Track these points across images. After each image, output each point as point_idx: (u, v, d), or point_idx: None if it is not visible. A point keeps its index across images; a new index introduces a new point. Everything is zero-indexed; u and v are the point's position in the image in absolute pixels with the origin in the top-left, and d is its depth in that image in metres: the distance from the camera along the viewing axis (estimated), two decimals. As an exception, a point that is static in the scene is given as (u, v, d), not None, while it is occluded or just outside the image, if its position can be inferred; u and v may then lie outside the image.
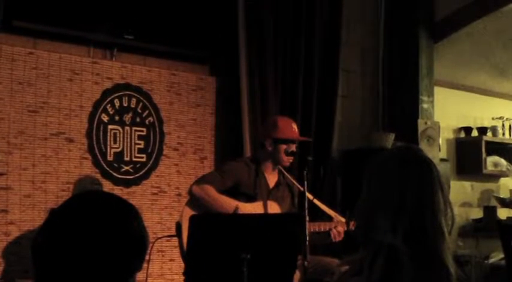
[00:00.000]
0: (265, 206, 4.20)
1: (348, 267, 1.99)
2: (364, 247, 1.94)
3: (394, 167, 1.99)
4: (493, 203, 7.39)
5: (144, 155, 4.98)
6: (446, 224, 1.94)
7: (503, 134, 7.68)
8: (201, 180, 4.16)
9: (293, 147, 4.30)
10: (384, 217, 1.90)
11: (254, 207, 4.15)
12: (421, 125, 5.98)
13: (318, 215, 4.30)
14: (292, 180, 4.44)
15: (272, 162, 4.34)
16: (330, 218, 4.28)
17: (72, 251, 1.56)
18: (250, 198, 4.19)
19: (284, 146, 4.26)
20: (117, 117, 4.87)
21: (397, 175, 1.96)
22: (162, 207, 5.01)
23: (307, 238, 3.75)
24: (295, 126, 4.37)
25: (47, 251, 1.58)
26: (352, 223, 4.08)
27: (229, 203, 4.09)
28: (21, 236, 4.37)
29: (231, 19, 5.27)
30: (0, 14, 4.33)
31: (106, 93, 4.82)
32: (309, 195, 4.05)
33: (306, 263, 3.67)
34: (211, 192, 4.08)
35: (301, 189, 4.10)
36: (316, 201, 4.25)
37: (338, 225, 4.19)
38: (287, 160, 4.31)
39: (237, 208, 4.07)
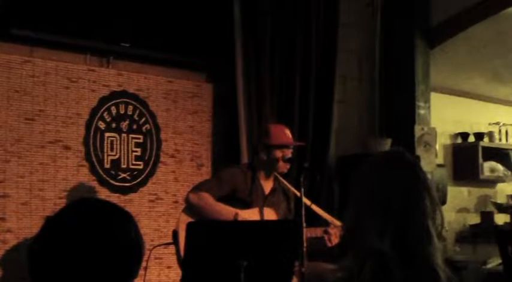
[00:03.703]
0: (261, 213, 4.20)
1: (340, 274, 1.98)
2: (352, 253, 1.93)
3: (379, 172, 1.99)
4: (490, 208, 7.40)
5: (141, 162, 4.98)
6: (434, 227, 1.93)
7: (500, 139, 7.70)
8: (198, 188, 4.15)
9: (289, 154, 4.29)
10: (370, 222, 1.89)
11: (251, 214, 4.15)
12: (417, 130, 5.99)
13: (315, 221, 4.29)
14: (288, 185, 4.43)
15: (267, 169, 4.33)
16: (327, 223, 4.28)
17: (68, 258, 1.56)
18: (246, 205, 4.19)
19: (278, 152, 4.25)
20: (114, 125, 4.87)
21: (382, 180, 1.95)
22: (159, 214, 5.01)
23: (304, 244, 3.75)
24: (287, 132, 4.36)
25: (43, 258, 1.58)
26: (347, 229, 4.08)
27: (228, 211, 4.08)
28: (19, 243, 4.37)
29: (227, 26, 5.27)
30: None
31: (103, 100, 4.82)
32: (307, 201, 4.04)
33: (303, 269, 3.67)
34: (208, 200, 4.08)
35: (298, 194, 4.10)
36: (313, 207, 4.24)
37: (333, 230, 4.18)
38: (283, 167, 4.30)
39: (236, 216, 4.06)
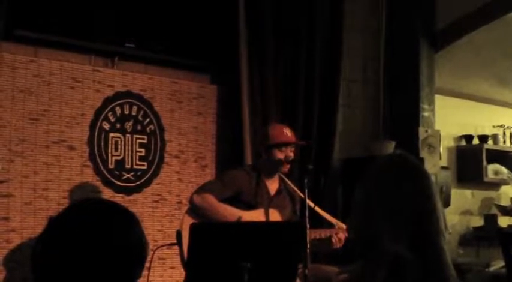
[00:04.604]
0: (266, 214, 4.20)
1: (345, 276, 1.98)
2: (363, 257, 1.92)
3: (390, 175, 1.98)
4: (494, 211, 7.40)
5: (145, 163, 4.99)
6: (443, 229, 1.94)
7: (504, 142, 7.70)
8: (202, 190, 4.15)
9: (289, 153, 4.27)
10: (385, 226, 1.89)
11: (256, 216, 4.14)
12: (422, 133, 5.99)
13: (319, 223, 4.29)
14: (293, 187, 4.42)
15: (270, 170, 4.32)
16: (331, 225, 4.27)
17: (71, 259, 1.56)
18: (251, 207, 4.18)
19: (278, 152, 4.24)
20: (118, 125, 4.87)
21: (393, 183, 1.95)
22: (163, 215, 5.01)
23: (308, 246, 3.74)
24: (286, 131, 4.32)
25: (45, 258, 1.58)
26: (352, 231, 4.07)
27: (231, 213, 4.08)
28: (23, 243, 4.37)
29: (231, 28, 5.28)
30: (2, 23, 4.34)
31: (107, 101, 4.83)
32: (310, 203, 4.04)
33: (306, 271, 3.67)
34: (212, 201, 4.07)
35: (302, 196, 4.09)
36: (317, 209, 4.24)
37: (339, 232, 4.18)
38: (284, 166, 4.28)
39: (239, 217, 4.06)
